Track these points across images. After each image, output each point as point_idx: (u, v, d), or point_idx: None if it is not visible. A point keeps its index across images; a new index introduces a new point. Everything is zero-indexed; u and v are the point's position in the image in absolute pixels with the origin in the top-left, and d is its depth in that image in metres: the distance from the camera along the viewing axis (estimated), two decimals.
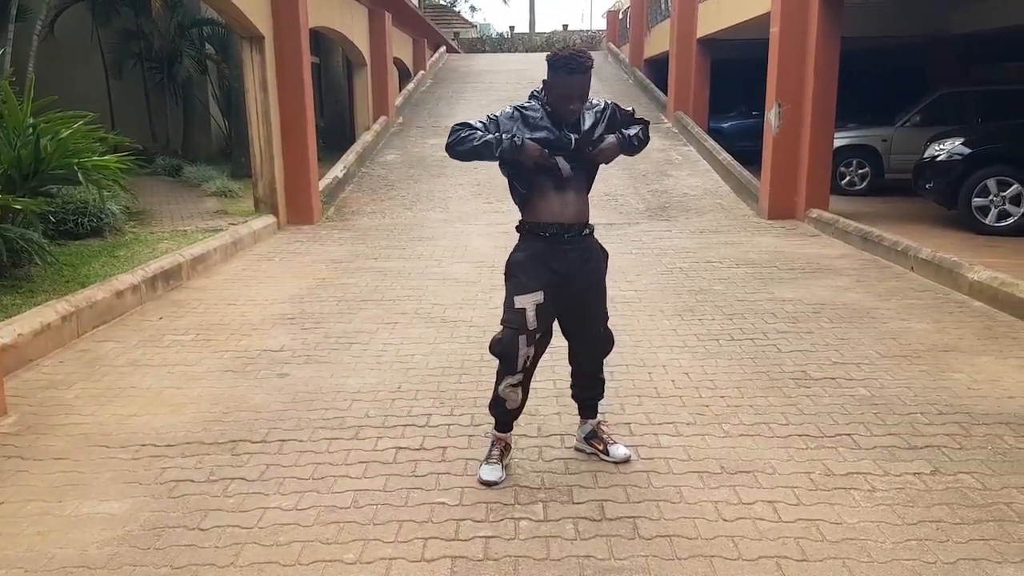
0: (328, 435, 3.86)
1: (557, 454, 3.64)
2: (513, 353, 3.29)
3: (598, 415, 3.71)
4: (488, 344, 3.42)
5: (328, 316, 6.01)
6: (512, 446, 3.59)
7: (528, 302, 3.27)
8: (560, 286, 3.32)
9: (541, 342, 3.42)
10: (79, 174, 6.42)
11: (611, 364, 4.73)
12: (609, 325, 3.60)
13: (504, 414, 3.47)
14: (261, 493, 3.29)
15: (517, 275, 3.33)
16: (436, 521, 3.06)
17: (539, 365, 4.66)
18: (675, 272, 7.45)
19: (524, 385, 3.41)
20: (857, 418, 4.01)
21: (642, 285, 6.90)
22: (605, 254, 3.51)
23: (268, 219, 9.85)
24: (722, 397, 4.32)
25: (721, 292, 6.65)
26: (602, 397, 3.71)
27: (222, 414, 4.13)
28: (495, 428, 3.54)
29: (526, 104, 3.34)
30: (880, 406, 4.16)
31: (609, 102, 3.42)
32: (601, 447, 3.60)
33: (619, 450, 3.56)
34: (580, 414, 3.73)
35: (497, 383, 3.40)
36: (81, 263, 6.97)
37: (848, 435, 3.81)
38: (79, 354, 5.11)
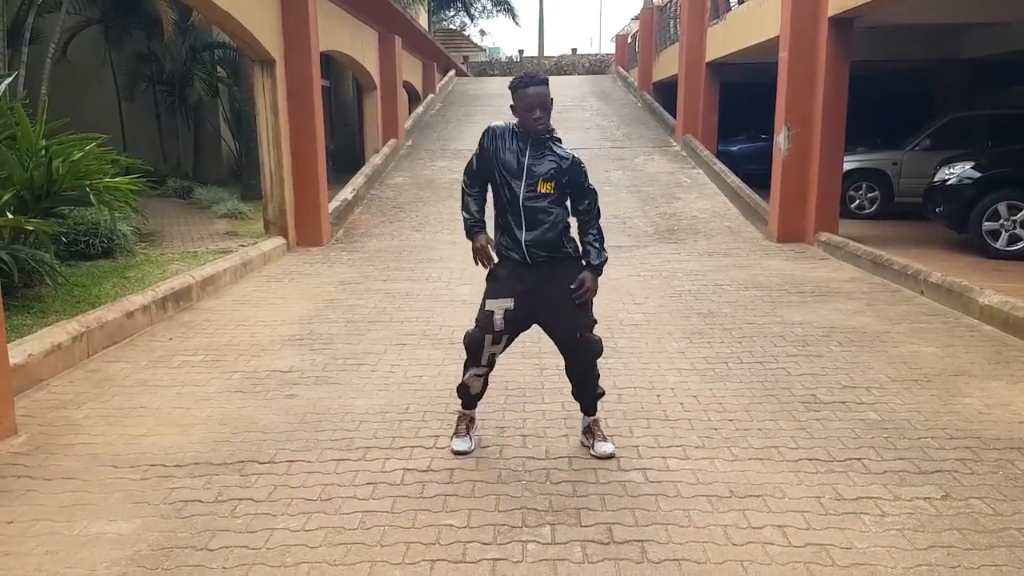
0: (336, 456, 3.88)
1: (565, 476, 3.64)
2: (478, 349, 3.75)
3: (597, 413, 4.00)
4: (463, 337, 3.84)
5: (336, 337, 6.04)
6: (476, 420, 4.07)
7: (497, 306, 3.70)
8: (532, 293, 3.69)
9: (508, 343, 3.80)
10: (91, 195, 6.49)
11: (619, 386, 4.76)
12: (609, 342, 3.82)
13: (469, 398, 3.97)
14: (269, 514, 3.30)
15: (492, 281, 3.77)
16: (443, 543, 3.06)
17: (547, 388, 4.74)
18: (684, 295, 7.46)
19: (486, 375, 3.88)
20: (867, 442, 4.00)
21: (650, 308, 6.91)
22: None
23: (278, 241, 9.92)
24: (731, 420, 4.32)
25: (730, 315, 6.65)
26: (597, 399, 3.97)
27: (231, 434, 4.15)
28: (461, 406, 4.02)
29: (501, 127, 3.73)
30: (890, 430, 4.15)
31: (577, 160, 3.71)
32: (590, 443, 3.91)
33: (602, 447, 3.85)
34: (581, 408, 4.04)
35: (464, 372, 3.89)
36: (92, 284, 7.02)
37: (858, 459, 3.80)
38: (89, 374, 5.15)
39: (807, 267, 8.87)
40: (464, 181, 3.88)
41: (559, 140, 3.73)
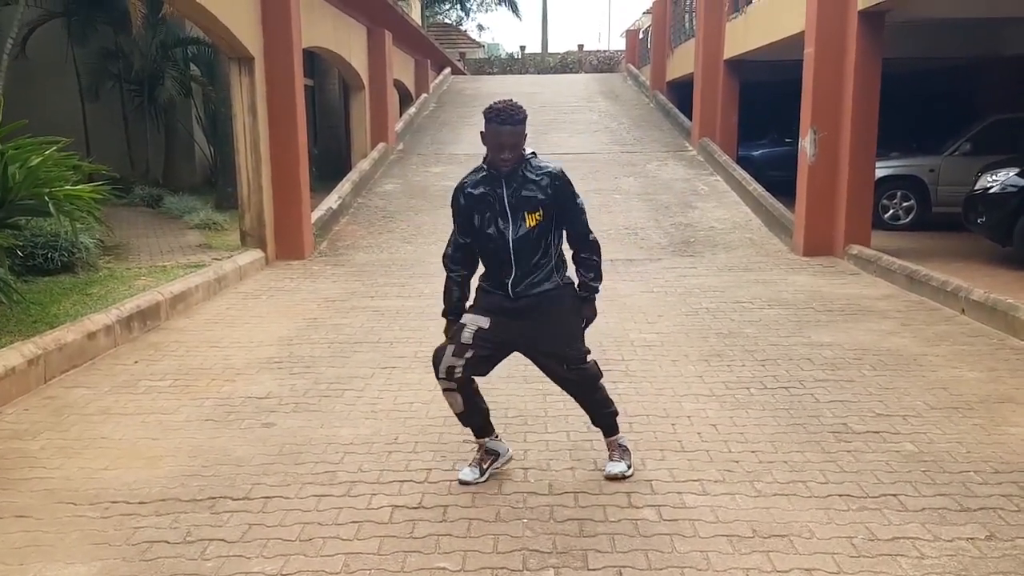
0: (317, 491, 3.86)
1: (570, 514, 3.62)
2: (438, 356, 3.84)
3: (618, 433, 4.10)
4: None
5: (319, 360, 6.03)
6: (501, 455, 4.06)
7: (471, 321, 3.84)
8: (512, 322, 3.82)
9: (475, 362, 3.83)
10: (50, 205, 6.47)
11: (630, 414, 4.75)
12: (619, 364, 4.02)
13: (461, 419, 4.00)
14: (243, 556, 3.28)
15: (476, 299, 3.94)
16: None
17: (551, 415, 4.73)
18: (701, 313, 7.45)
19: (463, 393, 3.88)
20: (904, 476, 3.98)
21: (665, 327, 6.90)
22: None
23: (255, 254, 9.93)
24: (753, 452, 4.30)
25: (752, 336, 6.64)
26: (612, 418, 4.06)
27: (201, 468, 4.13)
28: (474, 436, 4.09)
29: (471, 173, 3.88)
30: (929, 463, 4.14)
31: (558, 173, 3.78)
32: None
33: (610, 467, 4.00)
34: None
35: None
36: (50, 301, 7.02)
37: (894, 495, 3.78)
38: (46, 401, 5.13)
39: (836, 283, 8.87)
40: (446, 263, 3.99)
41: (532, 156, 3.80)
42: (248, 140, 10.05)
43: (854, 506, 3.68)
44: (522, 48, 47.83)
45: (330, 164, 18.48)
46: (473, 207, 3.79)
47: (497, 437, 4.10)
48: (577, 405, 4.10)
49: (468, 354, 3.79)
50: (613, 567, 3.18)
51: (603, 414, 4.05)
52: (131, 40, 15.33)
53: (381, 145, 16.59)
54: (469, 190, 3.81)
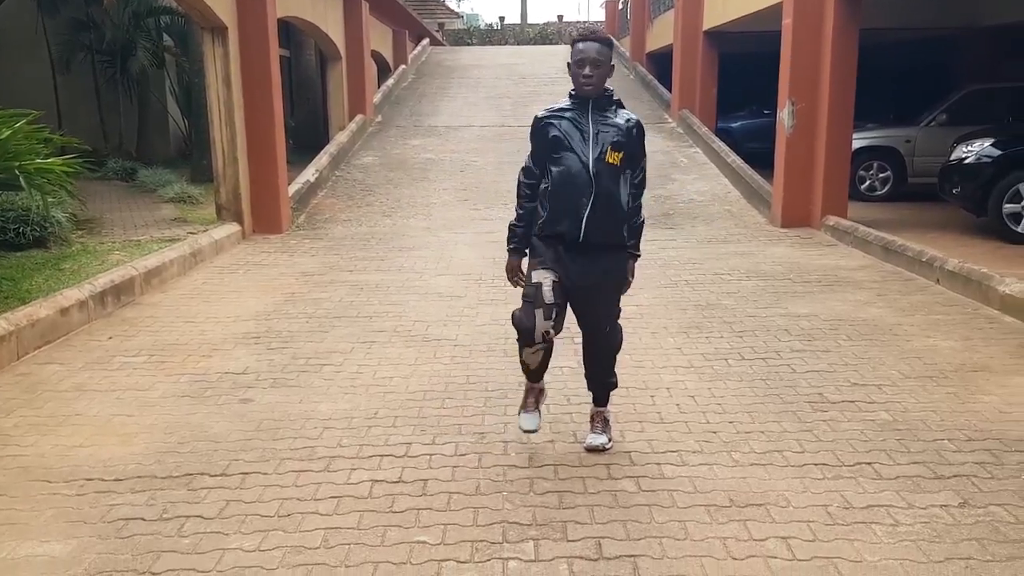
0: (296, 467, 3.84)
1: (550, 486, 3.63)
2: (531, 325, 3.71)
3: (607, 405, 4.11)
4: (511, 318, 3.84)
5: (297, 335, 5.99)
6: (546, 391, 4.10)
7: (544, 277, 3.72)
8: (573, 275, 3.73)
9: (560, 316, 3.79)
10: (21, 179, 6.38)
11: None
12: (619, 350, 4.00)
13: (530, 373, 3.94)
14: (220, 532, 3.26)
15: (536, 254, 3.81)
16: (415, 562, 3.04)
17: None
18: (680, 285, 7.47)
19: (545, 352, 3.84)
20: (878, 445, 4.02)
21: (644, 299, 6.91)
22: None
23: (231, 228, 9.83)
24: (731, 422, 4.32)
25: (730, 307, 6.67)
26: (609, 390, 4.08)
27: (177, 444, 4.10)
28: (526, 379, 4.01)
29: (546, 110, 3.83)
30: (903, 432, 4.17)
31: (637, 122, 3.77)
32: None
33: (591, 439, 4.01)
34: (593, 399, 4.15)
35: (520, 352, 3.86)
36: (22, 277, 6.93)
37: (869, 464, 3.81)
38: (19, 378, 5.07)
39: (813, 254, 8.91)
40: (520, 191, 3.88)
41: (621, 105, 3.81)
42: (223, 112, 9.91)
43: (829, 475, 3.71)
44: (501, 19, 47.54)
45: (307, 136, 18.30)
46: (556, 129, 3.69)
47: None
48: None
49: (554, 313, 3.72)
50: (592, 538, 3.19)
51: (608, 383, 4.05)
52: (102, 10, 15.10)
53: (359, 117, 16.43)
54: (552, 116, 3.74)
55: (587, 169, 3.62)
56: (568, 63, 3.74)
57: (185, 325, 6.26)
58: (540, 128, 3.76)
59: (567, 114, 3.72)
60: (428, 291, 7.32)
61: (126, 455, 3.97)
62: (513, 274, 3.91)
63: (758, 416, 4.41)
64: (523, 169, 3.87)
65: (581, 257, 3.71)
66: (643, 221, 3.91)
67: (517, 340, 3.83)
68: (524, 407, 4.01)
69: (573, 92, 3.74)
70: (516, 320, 3.79)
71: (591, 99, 3.70)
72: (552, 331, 3.74)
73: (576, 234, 3.66)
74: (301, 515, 3.39)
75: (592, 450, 3.96)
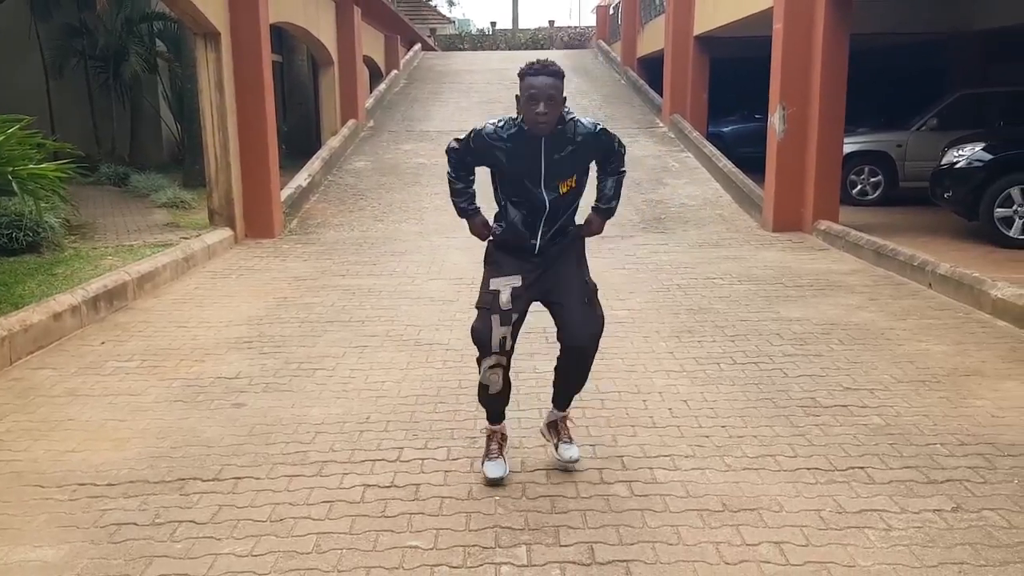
0: (288, 472, 3.83)
1: (542, 491, 3.62)
2: (487, 334, 3.58)
3: (569, 409, 3.93)
4: (470, 330, 3.69)
5: (289, 339, 5.98)
6: (509, 437, 3.91)
7: (503, 284, 3.61)
8: (538, 270, 3.67)
9: (518, 324, 3.66)
10: (14, 184, 6.36)
11: (602, 391, 4.76)
12: (600, 338, 3.77)
13: (491, 401, 3.77)
14: (213, 537, 3.25)
15: (494, 261, 3.72)
16: (408, 567, 3.04)
17: (523, 393, 4.71)
18: (672, 289, 7.47)
19: (507, 367, 3.67)
20: (871, 450, 4.02)
21: (636, 304, 6.92)
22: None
23: (224, 232, 9.81)
24: (723, 427, 4.32)
25: (722, 311, 6.67)
26: (578, 391, 3.92)
27: (170, 449, 4.09)
28: (487, 420, 3.86)
29: (497, 121, 3.61)
30: (896, 436, 4.18)
31: (597, 131, 3.61)
32: (554, 441, 3.87)
33: (567, 451, 3.81)
34: (552, 400, 3.94)
35: (479, 371, 3.68)
36: (15, 282, 6.91)
37: (861, 468, 3.81)
38: (11, 383, 5.05)
39: (805, 258, 8.93)
40: (450, 173, 3.79)
41: (573, 120, 3.57)
42: (215, 117, 9.90)
43: (822, 479, 3.71)
44: (493, 24, 47.62)
45: (299, 141, 18.30)
46: (503, 155, 3.55)
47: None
48: (548, 385, 4.01)
49: (513, 318, 3.59)
50: (585, 543, 3.18)
51: (579, 386, 3.87)
52: (95, 16, 15.07)
53: (351, 122, 16.43)
54: (500, 140, 3.53)
55: (542, 201, 3.57)
56: (517, 96, 3.49)
57: (178, 330, 6.24)
58: (485, 147, 3.59)
59: (519, 147, 3.52)
60: (420, 295, 7.32)
61: (119, 460, 3.96)
62: (483, 228, 3.79)
63: (750, 420, 4.41)
64: (451, 166, 3.76)
65: (541, 261, 3.68)
66: (615, 187, 3.79)
67: (477, 360, 3.67)
68: (487, 455, 3.78)
69: (521, 121, 3.50)
70: (473, 331, 3.64)
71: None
72: (510, 339, 3.59)
73: (533, 247, 3.65)
74: (293, 520, 3.38)
75: (570, 462, 3.77)
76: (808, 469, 3.81)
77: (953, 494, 3.56)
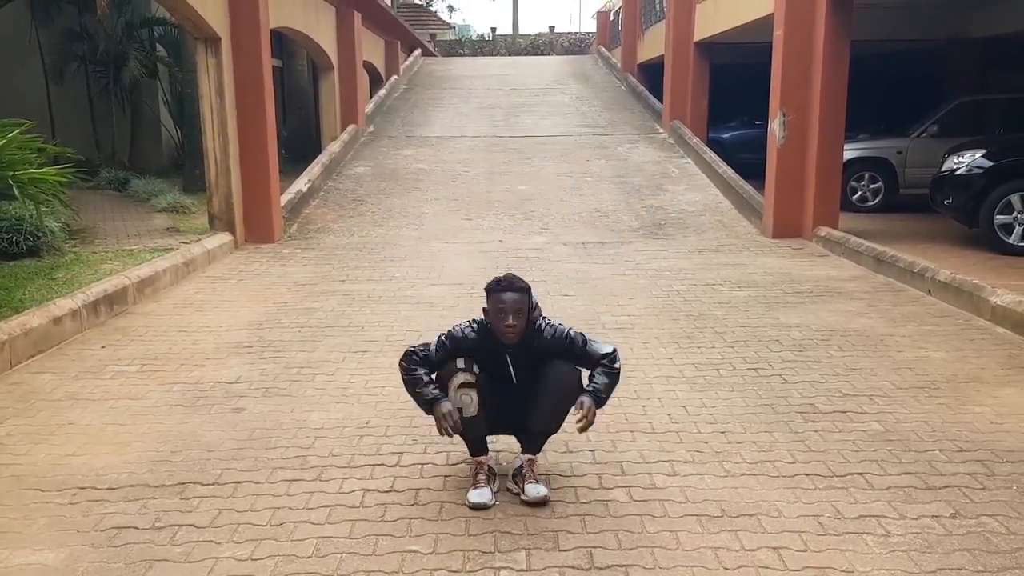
0: (288, 476, 3.84)
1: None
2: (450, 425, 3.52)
3: (539, 452, 3.75)
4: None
5: (289, 344, 5.99)
6: (496, 469, 3.77)
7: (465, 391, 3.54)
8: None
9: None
10: (14, 188, 6.37)
11: None
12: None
13: (471, 428, 3.57)
14: (212, 541, 3.26)
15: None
16: (407, 572, 3.04)
17: None
18: (671, 295, 7.48)
19: (478, 389, 3.54)
20: (870, 456, 4.03)
21: (635, 310, 6.93)
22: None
23: (224, 237, 9.83)
24: (723, 432, 4.33)
25: (722, 317, 6.68)
26: (550, 435, 3.76)
27: (170, 453, 4.10)
28: (469, 453, 3.74)
29: (466, 326, 3.65)
30: (895, 442, 4.19)
31: (572, 333, 3.65)
32: (519, 488, 3.62)
33: (535, 490, 3.56)
34: (522, 445, 3.77)
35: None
36: (15, 286, 6.92)
37: (860, 474, 3.82)
38: (11, 387, 5.06)
39: (805, 265, 8.94)
40: (410, 369, 3.63)
41: (542, 324, 3.63)
42: (215, 122, 9.92)
43: (821, 485, 3.72)
44: (493, 30, 47.60)
45: (299, 146, 18.32)
46: (469, 355, 3.59)
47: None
48: None
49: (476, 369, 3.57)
50: (584, 548, 3.19)
51: (556, 428, 3.72)
52: (96, 20, 15.09)
53: (351, 127, 16.45)
54: (471, 346, 3.60)
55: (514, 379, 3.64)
56: (485, 308, 3.60)
57: (178, 334, 6.25)
58: (458, 349, 3.60)
59: (488, 353, 3.60)
60: (420, 301, 7.33)
61: (119, 464, 3.97)
62: (446, 421, 3.50)
63: (749, 426, 4.42)
64: (411, 365, 3.61)
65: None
66: (609, 379, 3.65)
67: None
68: (474, 484, 3.62)
69: (488, 325, 3.59)
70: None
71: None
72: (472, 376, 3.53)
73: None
74: (293, 524, 3.39)
75: (536, 503, 3.52)
76: (807, 475, 3.82)
77: (952, 500, 3.57)
